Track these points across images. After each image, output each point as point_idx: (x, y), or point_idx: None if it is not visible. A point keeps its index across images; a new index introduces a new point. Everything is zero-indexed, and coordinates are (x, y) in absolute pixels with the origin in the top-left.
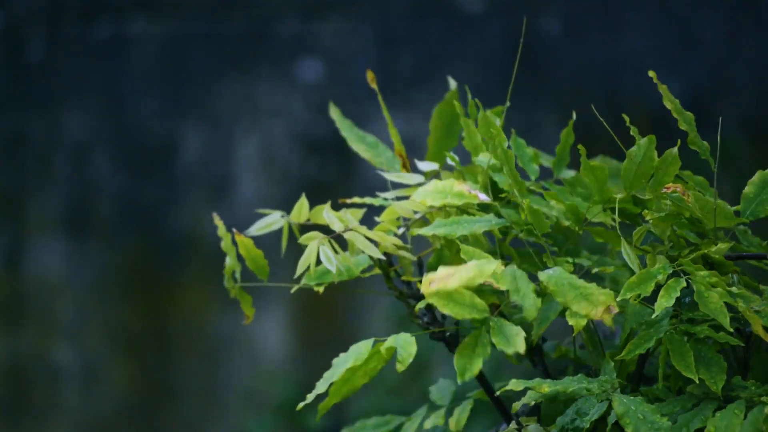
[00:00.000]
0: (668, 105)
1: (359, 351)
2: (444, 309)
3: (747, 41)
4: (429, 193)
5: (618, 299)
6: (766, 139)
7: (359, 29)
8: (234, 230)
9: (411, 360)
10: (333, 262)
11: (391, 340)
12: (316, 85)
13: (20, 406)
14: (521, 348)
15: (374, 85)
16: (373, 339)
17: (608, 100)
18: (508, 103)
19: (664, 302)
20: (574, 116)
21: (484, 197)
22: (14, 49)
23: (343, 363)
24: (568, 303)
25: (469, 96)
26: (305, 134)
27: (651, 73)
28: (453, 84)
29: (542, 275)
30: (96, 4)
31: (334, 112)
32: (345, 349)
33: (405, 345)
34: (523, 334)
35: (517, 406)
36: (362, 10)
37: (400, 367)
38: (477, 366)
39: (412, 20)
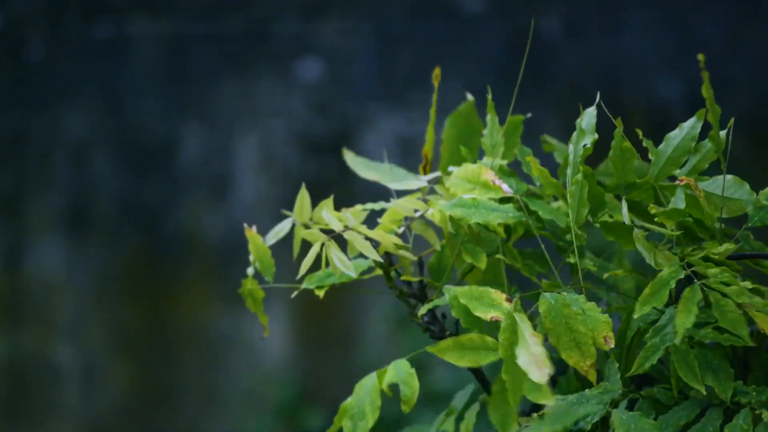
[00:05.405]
0: (705, 94)
1: (368, 391)
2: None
3: (747, 41)
4: (458, 180)
5: (636, 315)
6: (766, 139)
7: (359, 29)
8: (245, 225)
9: (416, 398)
10: (347, 264)
11: (391, 374)
12: (316, 85)
13: (20, 406)
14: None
15: (436, 83)
16: (375, 374)
17: (608, 100)
18: (529, 114)
19: (685, 321)
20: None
21: (507, 189)
22: (14, 49)
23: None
24: (559, 347)
25: (489, 97)
26: (305, 134)
27: None
28: (470, 97)
29: (542, 304)
30: (96, 4)
31: (347, 155)
32: (344, 350)
33: (407, 380)
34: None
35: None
36: (362, 9)
37: (405, 409)
38: (514, 418)
39: (412, 20)
